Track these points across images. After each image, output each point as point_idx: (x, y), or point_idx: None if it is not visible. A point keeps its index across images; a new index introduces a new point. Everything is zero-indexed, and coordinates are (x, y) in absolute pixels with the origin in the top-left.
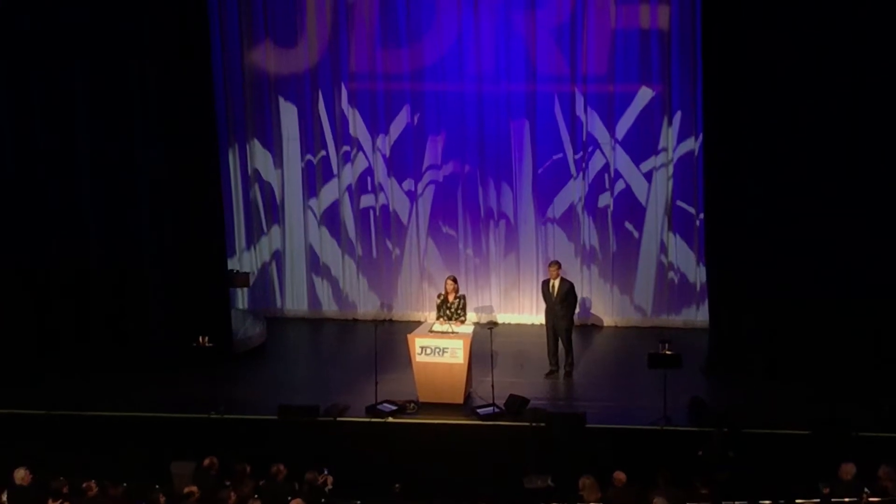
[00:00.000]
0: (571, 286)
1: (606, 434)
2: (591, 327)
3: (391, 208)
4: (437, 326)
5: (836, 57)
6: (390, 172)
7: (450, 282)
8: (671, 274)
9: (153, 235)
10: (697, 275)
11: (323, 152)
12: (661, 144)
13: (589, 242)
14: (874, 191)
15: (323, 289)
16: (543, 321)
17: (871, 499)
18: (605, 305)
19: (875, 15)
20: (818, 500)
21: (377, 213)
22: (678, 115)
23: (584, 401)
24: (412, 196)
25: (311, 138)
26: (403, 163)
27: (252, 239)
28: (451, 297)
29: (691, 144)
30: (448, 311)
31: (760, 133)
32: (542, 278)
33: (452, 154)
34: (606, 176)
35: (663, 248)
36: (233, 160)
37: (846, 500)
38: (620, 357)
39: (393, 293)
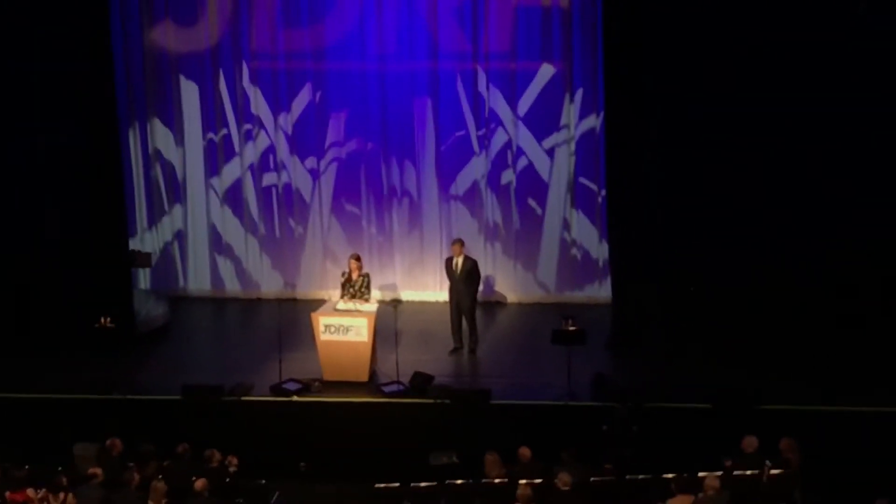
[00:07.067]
0: (475, 263)
1: (511, 410)
2: (495, 304)
3: (294, 186)
4: (342, 305)
5: (739, 31)
6: (293, 150)
7: (353, 260)
8: (574, 250)
9: (53, 216)
10: (600, 251)
11: (224, 131)
12: (563, 121)
13: (492, 219)
14: (774, 171)
15: (226, 268)
16: (447, 298)
17: (772, 471)
18: (508, 282)
19: None
20: (720, 473)
21: (280, 192)
22: (580, 93)
23: (489, 377)
24: (315, 174)
25: (212, 117)
26: (306, 141)
27: (154, 218)
28: (354, 276)
29: (593, 122)
30: (352, 290)
31: (661, 110)
32: (445, 256)
33: (355, 132)
34: (509, 153)
35: (566, 225)
36: (133, 139)
37: (748, 472)
38: (524, 333)
39: (296, 272)
